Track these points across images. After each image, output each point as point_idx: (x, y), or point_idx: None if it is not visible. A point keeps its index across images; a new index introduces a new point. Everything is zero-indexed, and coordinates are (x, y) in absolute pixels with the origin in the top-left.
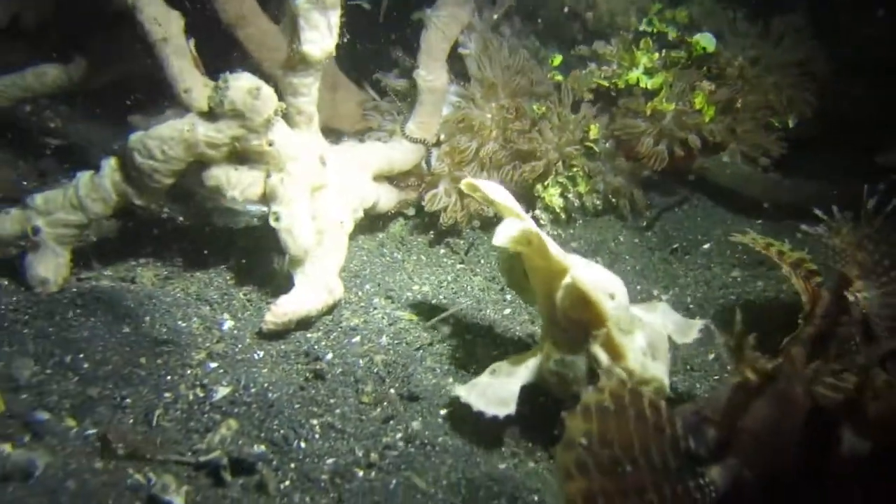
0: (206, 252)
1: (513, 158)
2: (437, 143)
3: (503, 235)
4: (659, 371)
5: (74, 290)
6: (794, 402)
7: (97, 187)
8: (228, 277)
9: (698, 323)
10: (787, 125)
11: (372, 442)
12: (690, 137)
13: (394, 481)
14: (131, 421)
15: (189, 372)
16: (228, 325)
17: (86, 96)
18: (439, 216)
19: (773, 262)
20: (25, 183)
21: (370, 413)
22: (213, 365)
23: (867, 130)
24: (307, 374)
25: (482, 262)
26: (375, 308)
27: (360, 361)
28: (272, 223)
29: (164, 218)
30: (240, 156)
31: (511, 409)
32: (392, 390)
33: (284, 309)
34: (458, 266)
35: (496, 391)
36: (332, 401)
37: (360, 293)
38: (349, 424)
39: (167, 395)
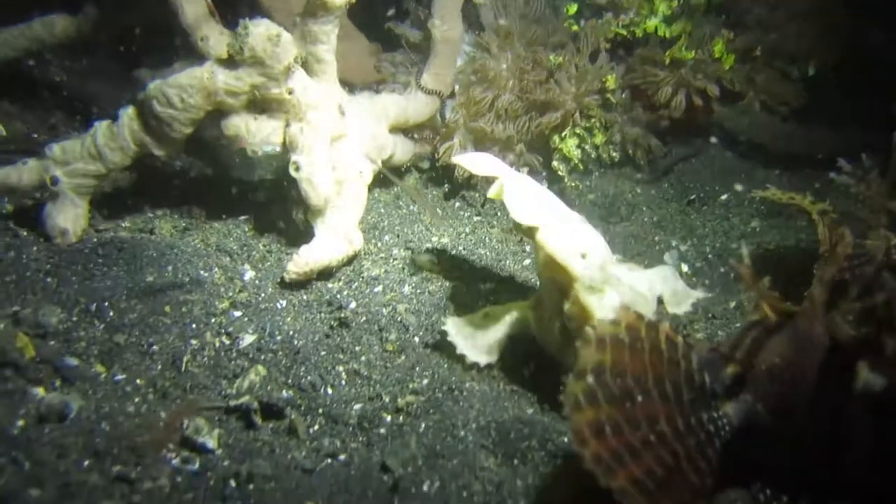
0: (223, 204)
1: (529, 109)
2: (452, 95)
3: (491, 193)
4: None
5: (95, 240)
6: (812, 341)
7: (115, 136)
8: (247, 229)
9: (695, 295)
10: (806, 73)
11: (398, 388)
12: (709, 86)
13: (423, 425)
14: (159, 367)
15: (213, 320)
16: (250, 275)
17: (87, 50)
18: (454, 169)
19: (792, 212)
20: (35, 136)
21: (395, 360)
22: (237, 314)
23: (886, 79)
24: (332, 323)
25: (499, 214)
26: (395, 259)
27: (384, 310)
28: (292, 173)
29: (181, 170)
30: (259, 105)
31: (493, 357)
32: (416, 338)
33: (306, 258)
34: (476, 218)
35: (483, 338)
36: (357, 348)
37: (379, 244)
38: (375, 371)
39: (193, 342)
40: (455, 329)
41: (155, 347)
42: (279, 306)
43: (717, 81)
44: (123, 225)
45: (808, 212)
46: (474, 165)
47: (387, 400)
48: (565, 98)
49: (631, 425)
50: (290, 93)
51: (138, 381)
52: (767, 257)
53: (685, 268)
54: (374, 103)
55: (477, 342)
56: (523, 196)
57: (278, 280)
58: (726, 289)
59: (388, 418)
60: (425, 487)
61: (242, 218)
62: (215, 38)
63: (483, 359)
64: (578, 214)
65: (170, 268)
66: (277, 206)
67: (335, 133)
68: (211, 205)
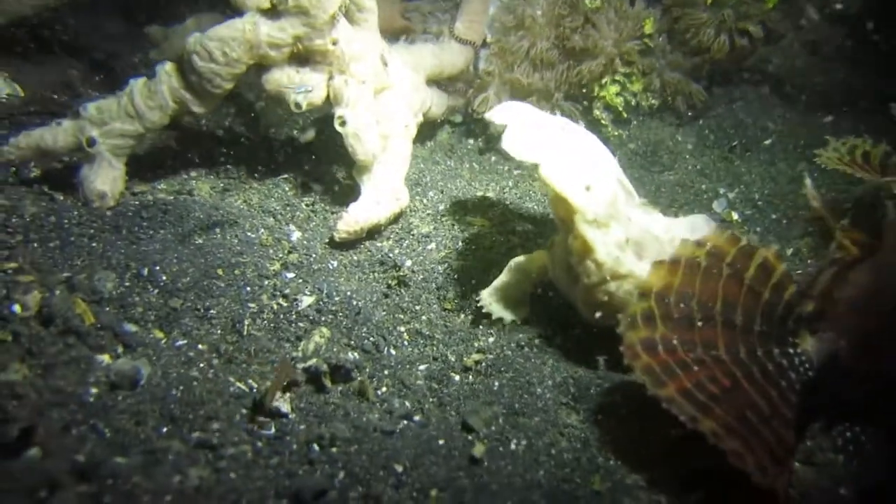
0: (261, 163)
1: (566, 57)
2: (485, 44)
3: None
4: (641, 269)
5: (137, 202)
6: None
7: (153, 94)
8: (288, 189)
9: None
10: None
11: (463, 347)
12: (753, 27)
13: (496, 383)
14: (219, 331)
15: (267, 283)
16: (297, 235)
17: (91, 7)
18: (488, 122)
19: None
20: (56, 96)
21: (456, 319)
22: (290, 275)
23: None
24: (389, 282)
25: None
26: (444, 215)
27: (439, 268)
28: (338, 127)
29: (216, 128)
30: (301, 57)
31: (523, 313)
32: (474, 296)
33: (356, 216)
34: (516, 172)
35: (511, 294)
36: (417, 307)
37: (424, 200)
38: (437, 330)
39: (251, 305)
40: (488, 297)
41: (212, 311)
42: (331, 267)
43: (759, 21)
44: (160, 187)
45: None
46: (504, 118)
47: (453, 359)
48: (605, 44)
49: (685, 346)
50: (334, 44)
51: (200, 345)
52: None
53: (735, 216)
54: (411, 53)
55: (508, 301)
56: (523, 130)
57: (327, 240)
58: (781, 235)
59: (457, 378)
60: (512, 446)
61: (283, 177)
62: None
63: (511, 315)
64: (605, 148)
65: (217, 230)
66: (319, 164)
67: (378, 85)
68: (249, 164)
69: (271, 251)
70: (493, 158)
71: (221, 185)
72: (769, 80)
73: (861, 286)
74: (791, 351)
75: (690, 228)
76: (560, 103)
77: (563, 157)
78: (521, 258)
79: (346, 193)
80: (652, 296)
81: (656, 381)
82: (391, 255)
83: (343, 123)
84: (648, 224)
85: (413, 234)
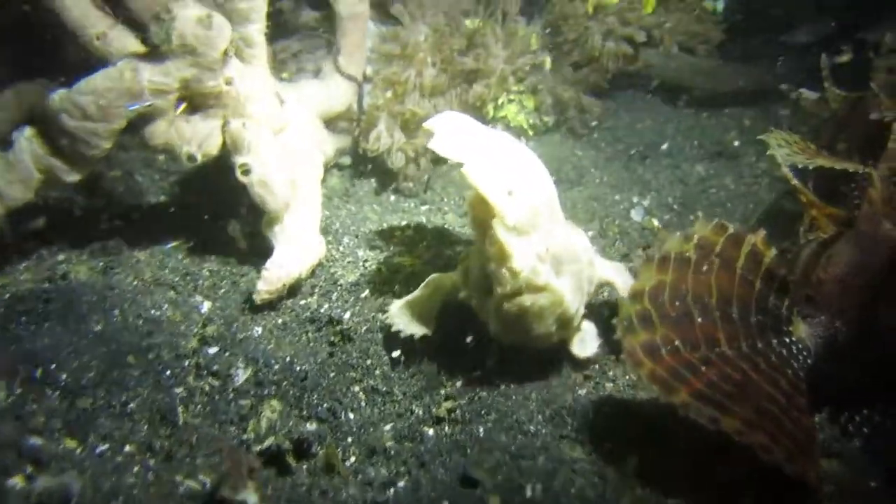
0: (142, 233)
1: (457, 81)
2: (366, 78)
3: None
4: (558, 284)
5: (6, 296)
6: (879, 240)
7: (13, 167)
8: (181, 256)
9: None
10: (715, 10)
11: (429, 397)
12: (635, 32)
13: (480, 429)
14: (146, 427)
15: (188, 362)
16: (207, 306)
17: None
18: (384, 159)
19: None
20: None
21: (412, 367)
22: (213, 350)
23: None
24: (331, 339)
25: (445, 199)
26: (367, 261)
27: (381, 316)
28: (241, 178)
29: (75, 202)
30: (190, 103)
31: (427, 329)
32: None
33: (277, 274)
34: (423, 208)
35: (421, 309)
36: (367, 362)
37: (340, 248)
38: (395, 384)
39: (178, 390)
40: (397, 310)
41: (132, 406)
42: (257, 333)
43: (640, 27)
44: (23, 278)
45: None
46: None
47: (420, 413)
48: (496, 63)
49: (688, 346)
50: (228, 84)
51: (127, 447)
52: (727, 200)
53: (656, 222)
54: (298, 90)
55: (417, 316)
56: (455, 132)
57: (244, 305)
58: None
59: (431, 432)
60: (528, 493)
61: (171, 244)
62: (117, 33)
63: (417, 330)
64: (541, 165)
65: (116, 312)
66: (212, 222)
67: (277, 126)
68: (128, 236)
69: (183, 327)
70: (393, 198)
71: (101, 263)
72: (654, 84)
73: (845, 262)
74: (787, 340)
75: (616, 272)
76: None
77: (489, 160)
78: (437, 274)
79: (252, 250)
80: (645, 296)
81: (667, 387)
82: (322, 310)
83: (246, 172)
84: (571, 242)
85: (340, 285)
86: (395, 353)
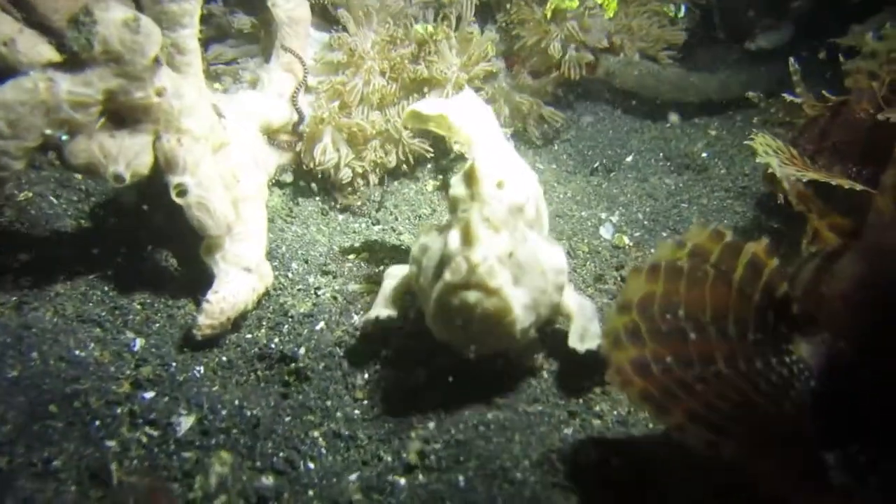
0: (60, 263)
1: (408, 91)
2: (308, 89)
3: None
4: (511, 293)
5: None
6: (889, 251)
7: None
8: (107, 288)
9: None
10: (675, 17)
11: (398, 441)
12: (596, 38)
13: (460, 478)
14: (74, 488)
15: (121, 410)
16: (139, 343)
17: None
18: (330, 175)
19: (701, 164)
20: None
21: (375, 407)
22: (150, 395)
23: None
24: (285, 379)
25: (398, 217)
26: (319, 287)
27: (339, 350)
28: (176, 199)
29: None
30: (115, 117)
31: (393, 312)
32: (392, 374)
33: (220, 305)
34: (375, 227)
35: (384, 299)
36: (327, 403)
37: (289, 274)
38: (358, 427)
39: (110, 443)
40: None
41: (56, 463)
42: (198, 374)
43: (601, 32)
44: None
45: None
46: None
47: (389, 459)
48: (450, 71)
49: (681, 363)
50: (159, 94)
51: None
52: (700, 216)
53: (626, 240)
54: (236, 103)
55: (379, 301)
56: (474, 110)
57: (182, 341)
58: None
59: (403, 481)
60: None
61: (95, 275)
62: (26, 40)
63: (382, 312)
64: (533, 173)
65: (34, 354)
66: (139, 249)
67: (216, 141)
68: (43, 268)
69: (113, 369)
70: (341, 217)
71: (13, 299)
72: (613, 94)
73: (852, 277)
74: (788, 360)
75: (580, 307)
76: (409, 142)
77: (495, 147)
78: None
79: (188, 279)
80: (633, 307)
81: (659, 408)
82: (273, 346)
83: (182, 193)
84: (542, 256)
85: (291, 317)
86: (360, 384)
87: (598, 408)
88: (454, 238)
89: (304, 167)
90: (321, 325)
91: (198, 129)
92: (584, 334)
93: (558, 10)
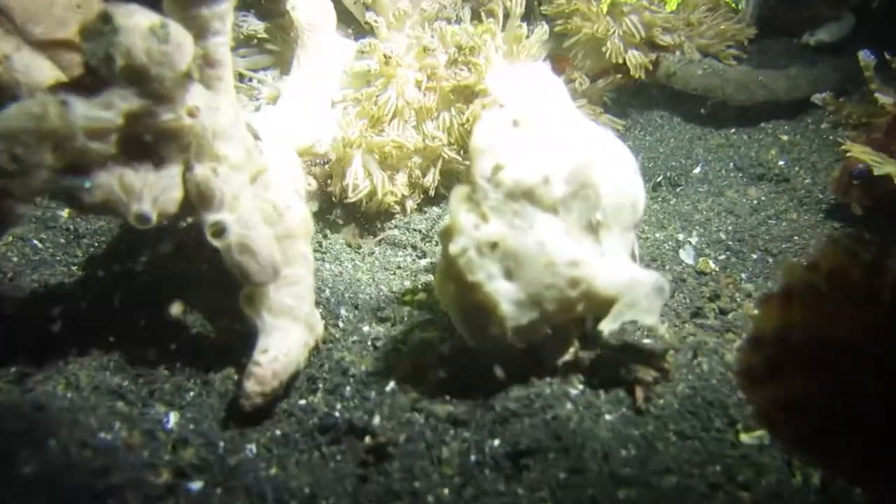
0: (57, 319)
1: (448, 102)
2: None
3: None
4: (497, 287)
5: None
6: None
7: None
8: (122, 350)
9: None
10: (737, 7)
11: None
12: (660, 36)
13: None
14: None
15: None
16: (173, 418)
17: None
18: (363, 204)
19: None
20: None
21: (470, 485)
22: (198, 485)
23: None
24: (362, 457)
25: None
26: (378, 338)
27: (419, 417)
28: (213, 241)
29: None
30: (136, 143)
31: None
32: (489, 444)
33: (272, 367)
34: (423, 262)
35: None
36: (415, 485)
37: (339, 323)
38: None
39: None
40: None
41: None
42: (251, 454)
43: (663, 28)
44: None
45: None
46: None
47: None
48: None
49: (835, 403)
50: (191, 115)
51: None
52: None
53: (712, 264)
54: (268, 120)
55: None
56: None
57: (223, 413)
58: (776, 278)
59: None
60: None
61: (104, 335)
62: (26, 58)
63: None
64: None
65: (52, 441)
66: (158, 297)
67: (254, 169)
68: (37, 326)
69: (146, 453)
70: (378, 250)
71: (12, 370)
72: (672, 98)
73: None
74: None
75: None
76: (452, 156)
77: (508, 114)
78: None
79: (223, 336)
80: (770, 341)
81: (816, 452)
82: (336, 414)
83: (220, 233)
84: (552, 245)
85: (353, 376)
86: (446, 456)
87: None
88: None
89: (333, 198)
90: (391, 385)
91: (235, 156)
92: (621, 313)
93: (615, 4)
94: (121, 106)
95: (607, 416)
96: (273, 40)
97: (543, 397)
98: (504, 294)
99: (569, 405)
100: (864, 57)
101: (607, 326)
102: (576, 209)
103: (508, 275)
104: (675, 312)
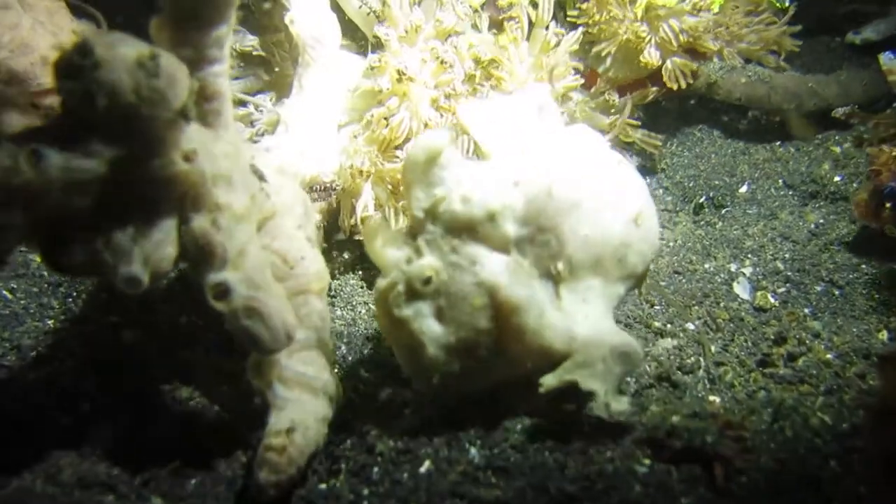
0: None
1: None
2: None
3: None
4: (422, 326)
5: None
6: None
7: None
8: (108, 431)
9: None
10: (782, 7)
11: None
12: (705, 43)
13: None
14: None
15: None
16: None
17: None
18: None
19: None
20: None
21: None
22: None
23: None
24: None
25: None
26: (406, 403)
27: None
28: (215, 305)
29: None
30: (121, 195)
31: None
32: None
33: (288, 452)
34: None
35: None
36: None
37: (360, 386)
38: None
39: None
40: None
41: None
42: None
43: (706, 33)
44: None
45: None
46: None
47: None
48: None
49: None
50: (188, 159)
51: None
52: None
53: (771, 298)
54: (265, 152)
55: None
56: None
57: None
58: (849, 315)
59: None
60: None
61: (86, 412)
62: None
63: None
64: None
65: None
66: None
67: (261, 215)
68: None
69: None
70: None
71: None
72: (710, 109)
73: None
74: None
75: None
76: None
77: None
78: None
79: (230, 411)
80: None
81: None
82: (364, 503)
83: (223, 294)
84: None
85: (379, 454)
86: None
87: None
88: None
89: (343, 233)
90: (426, 465)
91: (238, 204)
92: (567, 370)
93: (651, 7)
94: (104, 153)
95: (683, 501)
96: (270, 58)
97: (606, 477)
98: (431, 336)
99: (637, 487)
100: (886, 60)
101: (547, 381)
102: (531, 253)
103: (439, 315)
104: (739, 360)
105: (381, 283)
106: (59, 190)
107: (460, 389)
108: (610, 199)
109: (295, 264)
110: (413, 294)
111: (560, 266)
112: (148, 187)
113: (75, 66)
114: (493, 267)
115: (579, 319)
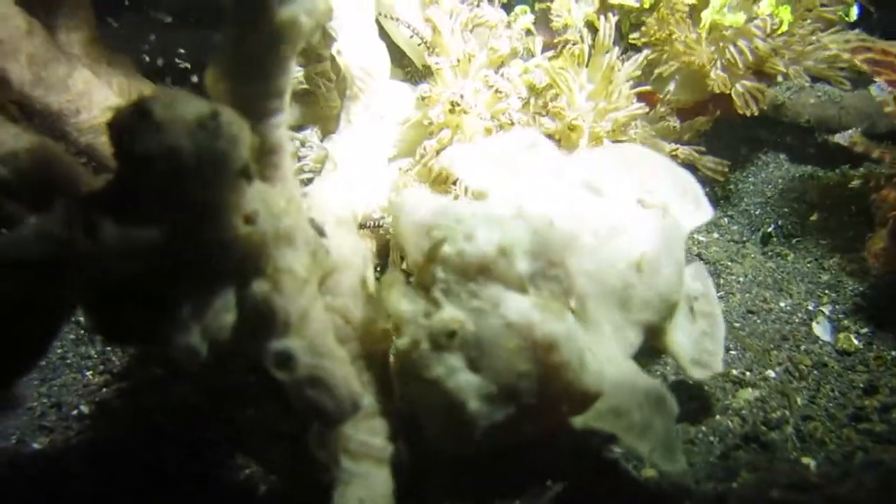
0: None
1: None
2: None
3: None
4: (458, 382)
5: None
6: None
7: None
8: None
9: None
10: (847, 19)
11: None
12: (776, 64)
13: None
14: None
15: None
16: None
17: None
18: None
19: None
20: None
21: None
22: None
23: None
24: None
25: None
26: None
27: None
28: (278, 374)
29: None
30: (176, 262)
31: None
32: None
33: None
34: None
35: None
36: None
37: None
38: None
39: None
40: None
41: None
42: None
43: (779, 53)
44: None
45: None
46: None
47: None
48: (581, 120)
49: None
50: (249, 222)
51: None
52: None
53: (856, 341)
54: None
55: None
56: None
57: None
58: None
59: None
60: None
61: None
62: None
63: None
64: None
65: None
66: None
67: (321, 273)
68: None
69: None
70: None
71: None
72: (778, 132)
73: None
74: None
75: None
76: None
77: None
78: None
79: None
80: None
81: None
82: None
83: (285, 363)
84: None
85: None
86: None
87: None
88: None
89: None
90: None
91: (300, 264)
92: (601, 417)
93: (716, 27)
94: (162, 219)
95: None
96: (315, 89)
97: None
98: (470, 389)
99: None
100: (878, 91)
101: (577, 421)
102: (545, 289)
103: (474, 365)
104: (828, 413)
105: (401, 343)
106: (116, 259)
107: (500, 442)
108: (605, 236)
109: (358, 324)
110: (439, 350)
111: (573, 303)
112: (207, 251)
113: (131, 129)
114: (519, 305)
115: (603, 359)
